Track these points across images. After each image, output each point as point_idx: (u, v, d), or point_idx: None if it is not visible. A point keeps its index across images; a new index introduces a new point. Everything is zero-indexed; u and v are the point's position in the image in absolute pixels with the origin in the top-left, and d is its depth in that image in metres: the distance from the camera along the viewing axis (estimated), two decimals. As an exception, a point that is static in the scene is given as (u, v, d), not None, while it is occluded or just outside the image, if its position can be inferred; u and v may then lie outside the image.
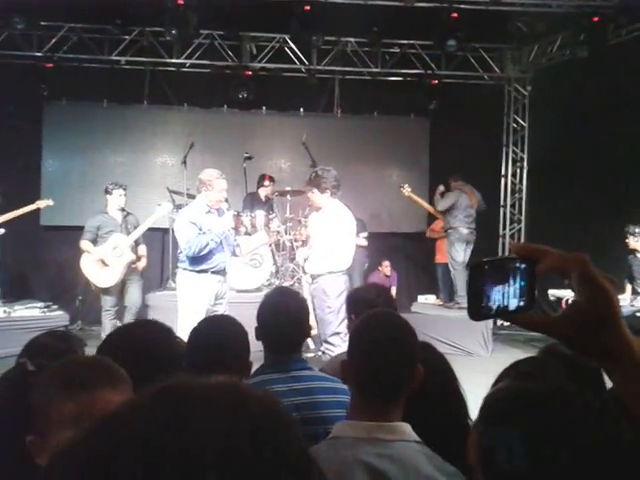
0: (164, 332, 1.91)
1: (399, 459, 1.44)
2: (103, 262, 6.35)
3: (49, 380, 1.27)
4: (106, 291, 6.42)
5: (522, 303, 0.74)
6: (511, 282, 0.72)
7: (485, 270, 0.71)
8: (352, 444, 1.47)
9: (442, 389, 1.77)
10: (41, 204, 7.25)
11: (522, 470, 0.88)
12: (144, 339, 1.84)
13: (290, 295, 2.45)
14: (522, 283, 0.73)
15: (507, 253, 8.23)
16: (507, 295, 0.72)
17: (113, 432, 0.46)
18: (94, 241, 6.45)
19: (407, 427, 1.51)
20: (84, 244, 6.43)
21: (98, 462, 0.44)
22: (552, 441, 0.88)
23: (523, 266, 0.73)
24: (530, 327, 0.74)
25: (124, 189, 6.60)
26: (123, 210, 6.63)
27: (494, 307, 0.71)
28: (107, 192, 6.57)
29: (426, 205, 8.38)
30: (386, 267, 8.91)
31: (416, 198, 8.31)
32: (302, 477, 0.46)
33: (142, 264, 6.61)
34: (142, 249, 6.67)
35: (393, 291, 8.82)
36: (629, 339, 0.70)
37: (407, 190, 8.20)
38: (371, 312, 1.78)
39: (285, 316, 2.23)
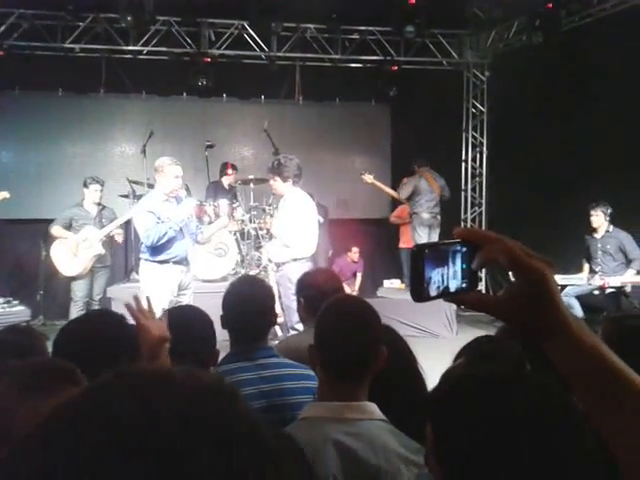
0: (117, 321, 1.90)
1: (367, 437, 1.49)
2: (74, 251, 6.29)
3: (3, 389, 1.23)
4: (75, 282, 6.36)
5: (464, 285, 0.77)
6: (450, 265, 0.75)
7: (425, 254, 0.74)
8: (321, 424, 1.52)
9: (403, 370, 1.82)
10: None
11: (474, 454, 0.90)
12: (98, 329, 1.84)
13: (255, 283, 2.46)
14: (464, 266, 0.76)
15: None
16: (446, 277, 0.75)
17: (72, 411, 0.47)
18: (67, 230, 6.43)
19: (374, 406, 1.56)
20: (55, 230, 6.39)
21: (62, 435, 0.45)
22: (503, 425, 0.89)
23: (464, 249, 0.76)
24: (472, 307, 0.77)
25: (101, 184, 6.59)
26: (99, 204, 6.58)
27: (434, 288, 0.74)
28: (84, 185, 6.57)
29: (390, 191, 8.43)
30: (355, 253, 8.95)
31: (379, 184, 8.35)
32: (251, 444, 0.48)
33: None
34: (119, 235, 6.64)
35: (359, 277, 8.90)
36: (566, 318, 0.73)
37: (369, 177, 8.23)
38: (336, 296, 1.83)
39: (251, 304, 2.24)
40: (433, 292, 0.74)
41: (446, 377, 1.06)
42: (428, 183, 7.74)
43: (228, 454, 0.45)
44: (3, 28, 8.08)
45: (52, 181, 8.44)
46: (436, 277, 0.74)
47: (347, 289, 8.85)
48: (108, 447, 0.43)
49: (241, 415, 0.49)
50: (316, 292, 2.49)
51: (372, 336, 1.61)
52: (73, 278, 6.38)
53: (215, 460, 0.44)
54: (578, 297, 6.51)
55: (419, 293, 0.74)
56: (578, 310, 6.33)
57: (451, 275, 0.75)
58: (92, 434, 0.44)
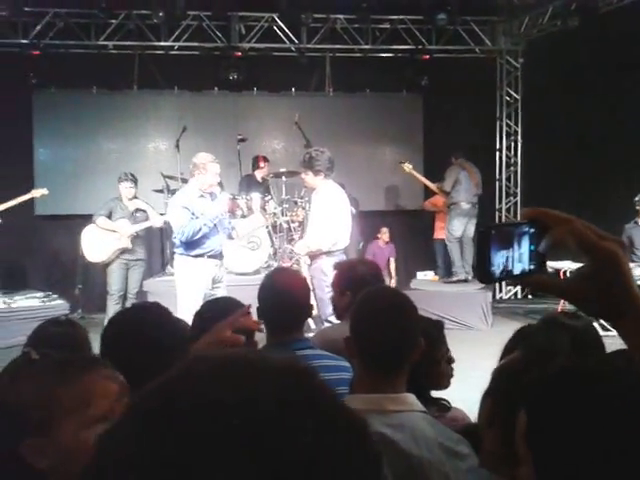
0: (165, 314, 1.92)
1: (409, 428, 1.48)
2: (103, 239, 6.43)
3: (41, 374, 1.22)
4: (111, 275, 6.48)
5: (532, 267, 0.76)
6: (515, 247, 0.74)
7: (491, 235, 0.73)
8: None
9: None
10: (36, 193, 7.27)
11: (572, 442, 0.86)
12: (147, 322, 1.85)
13: (290, 275, 2.45)
14: (532, 247, 0.75)
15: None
16: (511, 259, 0.74)
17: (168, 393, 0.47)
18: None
19: (412, 397, 1.56)
20: (101, 221, 6.52)
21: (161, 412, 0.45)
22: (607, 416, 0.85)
23: (532, 230, 0.75)
24: (539, 289, 0.77)
25: (133, 181, 6.66)
26: (136, 198, 6.71)
27: (497, 271, 0.73)
28: (118, 182, 6.68)
29: (427, 182, 8.34)
30: (384, 234, 8.93)
31: (416, 174, 8.28)
32: (344, 422, 0.48)
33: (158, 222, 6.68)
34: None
35: (392, 263, 8.87)
36: (637, 297, 0.71)
37: (408, 167, 8.17)
38: (372, 288, 1.82)
39: (286, 296, 2.24)
40: (496, 274, 0.73)
41: (505, 371, 1.04)
42: (468, 174, 7.69)
43: (328, 431, 0.45)
44: (39, 28, 8.24)
45: (88, 177, 8.59)
46: (500, 259, 0.73)
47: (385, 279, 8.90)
48: (208, 432, 0.43)
49: (326, 394, 0.49)
50: (362, 284, 2.47)
51: (409, 325, 1.61)
52: (105, 270, 6.51)
53: (317, 438, 0.44)
54: None
55: (485, 274, 0.73)
56: None
57: (516, 257, 0.74)
58: (191, 417, 0.44)
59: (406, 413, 1.52)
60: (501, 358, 1.69)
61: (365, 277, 2.58)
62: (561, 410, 0.86)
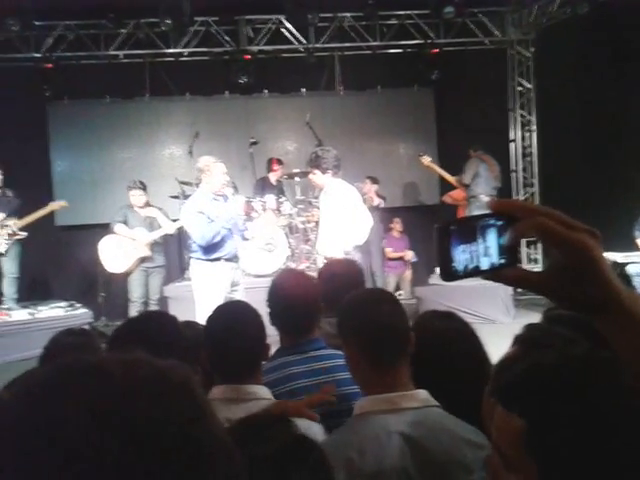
0: (170, 323, 1.93)
1: (429, 425, 1.50)
2: (122, 249, 6.47)
3: None
4: (132, 283, 6.54)
5: (502, 261, 0.72)
6: (480, 240, 0.70)
7: (450, 230, 0.69)
8: (381, 418, 1.52)
9: (469, 356, 1.81)
10: (55, 206, 7.33)
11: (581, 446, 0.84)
12: (149, 331, 1.87)
13: (297, 276, 2.45)
14: (500, 241, 0.71)
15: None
16: (476, 254, 0.70)
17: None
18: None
19: (426, 393, 1.57)
20: (118, 228, 6.58)
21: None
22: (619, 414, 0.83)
23: (500, 223, 0.71)
24: (512, 284, 0.73)
25: (142, 188, 6.71)
26: (148, 204, 6.76)
27: (460, 267, 0.69)
28: (127, 190, 6.74)
29: (446, 175, 8.26)
30: (397, 224, 8.91)
31: (436, 168, 8.20)
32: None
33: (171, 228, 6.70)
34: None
35: (408, 255, 8.84)
36: (617, 291, 0.68)
37: (426, 159, 8.10)
38: (360, 291, 1.87)
39: (295, 297, 2.24)
40: (464, 270, 0.70)
41: (503, 366, 1.02)
42: (488, 166, 7.62)
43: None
44: (50, 41, 8.36)
45: (105, 186, 8.69)
46: (461, 255, 0.69)
47: (408, 273, 8.91)
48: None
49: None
50: (337, 285, 2.50)
51: (403, 321, 1.67)
52: (126, 278, 6.57)
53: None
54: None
55: (447, 272, 0.69)
56: None
57: (482, 251, 0.70)
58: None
59: (423, 409, 1.54)
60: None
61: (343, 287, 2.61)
62: (564, 411, 0.84)
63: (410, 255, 8.85)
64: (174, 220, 6.70)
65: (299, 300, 2.21)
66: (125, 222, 6.64)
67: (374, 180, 8.18)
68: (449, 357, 1.74)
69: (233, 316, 2.07)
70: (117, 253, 6.53)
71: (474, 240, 0.70)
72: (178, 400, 0.49)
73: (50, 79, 8.39)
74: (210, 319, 2.10)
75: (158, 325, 1.87)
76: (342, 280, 2.61)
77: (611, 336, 0.69)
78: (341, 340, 1.70)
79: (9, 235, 6.97)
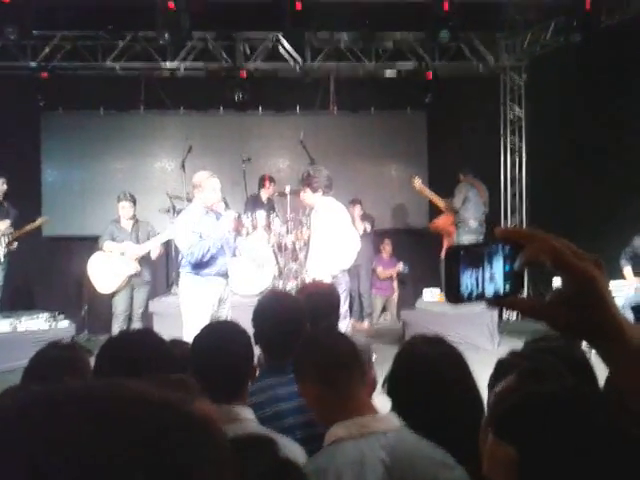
0: (155, 342, 1.90)
1: (402, 448, 1.51)
2: (110, 268, 6.40)
3: None
4: (115, 297, 6.48)
5: (507, 288, 0.73)
6: (487, 267, 0.71)
7: (460, 255, 0.71)
8: (356, 442, 1.52)
9: (458, 382, 1.80)
10: (41, 221, 7.38)
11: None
12: (137, 348, 1.84)
13: (282, 297, 2.44)
14: (507, 268, 0.72)
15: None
16: (482, 280, 0.71)
17: None
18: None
19: (393, 415, 1.60)
20: (107, 245, 6.51)
21: None
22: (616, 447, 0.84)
23: (507, 250, 0.72)
24: (517, 311, 0.74)
25: (131, 200, 6.66)
26: (134, 217, 6.69)
27: (466, 292, 0.70)
28: (117, 202, 6.67)
29: (436, 198, 8.29)
30: (387, 245, 8.99)
31: (426, 191, 8.24)
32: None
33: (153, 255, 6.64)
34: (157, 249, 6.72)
35: (395, 280, 8.88)
36: (619, 322, 0.69)
37: (418, 182, 8.14)
38: (312, 332, 2.02)
39: (280, 319, 2.23)
40: (469, 295, 0.71)
41: (501, 398, 1.02)
42: (477, 191, 7.67)
43: None
44: (47, 51, 8.36)
45: (95, 198, 8.65)
46: (468, 280, 0.70)
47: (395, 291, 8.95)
48: None
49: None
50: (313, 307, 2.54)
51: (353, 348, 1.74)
52: (113, 294, 6.49)
53: None
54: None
55: (454, 296, 0.71)
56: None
57: (488, 278, 0.71)
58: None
59: (395, 432, 1.54)
60: (489, 388, 1.68)
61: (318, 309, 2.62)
62: (561, 443, 0.84)
63: (401, 266, 8.91)
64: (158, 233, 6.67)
65: (285, 322, 2.20)
66: (113, 239, 6.57)
67: (356, 202, 8.17)
68: (438, 382, 1.74)
69: (221, 335, 2.06)
70: (107, 273, 6.43)
71: (481, 266, 0.71)
72: (203, 445, 0.48)
73: (45, 88, 8.37)
74: (198, 337, 2.08)
75: (146, 343, 1.84)
76: (318, 302, 2.61)
77: (611, 364, 0.71)
78: (298, 380, 1.74)
79: (6, 244, 7.00)
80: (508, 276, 0.73)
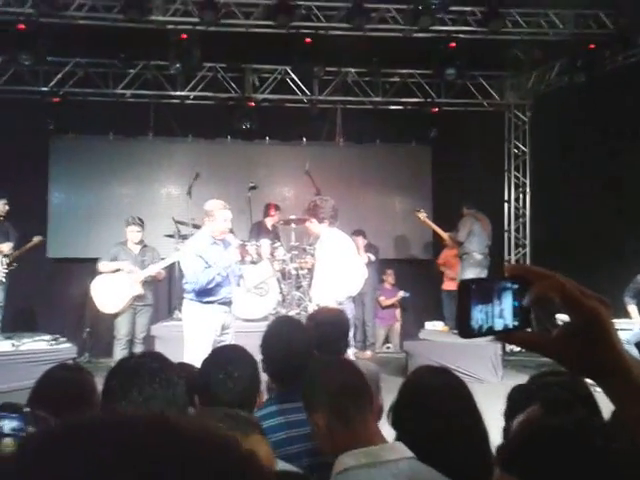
0: (165, 363, 1.92)
1: (410, 476, 1.51)
2: (114, 289, 6.41)
3: None
4: (118, 320, 6.47)
5: (516, 323, 0.75)
6: (496, 302, 0.74)
7: (471, 289, 0.73)
8: (366, 472, 1.52)
9: (464, 414, 1.80)
10: (36, 240, 7.41)
11: None
12: (147, 371, 1.84)
13: (293, 324, 2.46)
14: (515, 303, 0.75)
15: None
16: (491, 315, 0.73)
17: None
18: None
19: (402, 444, 1.60)
20: (102, 265, 6.52)
21: None
22: None
23: (516, 287, 0.75)
24: (523, 346, 0.76)
25: (140, 225, 6.70)
26: (142, 242, 6.72)
27: (477, 326, 0.73)
28: (125, 225, 6.71)
29: (440, 231, 8.36)
30: (390, 276, 9.02)
31: (430, 223, 8.33)
32: None
33: (159, 275, 6.66)
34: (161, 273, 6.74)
35: (401, 292, 8.92)
36: (624, 359, 0.71)
37: (422, 215, 8.23)
38: (321, 361, 2.05)
39: (290, 345, 2.24)
40: (479, 329, 0.73)
41: (527, 428, 1.03)
42: (481, 225, 7.73)
43: None
44: (59, 76, 8.52)
45: (101, 221, 8.71)
46: (479, 314, 0.72)
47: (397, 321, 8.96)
48: None
49: None
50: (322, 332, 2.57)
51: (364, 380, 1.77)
52: (115, 316, 6.49)
53: None
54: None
55: (465, 329, 0.73)
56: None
57: (497, 313, 0.74)
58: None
59: (404, 460, 1.55)
60: (506, 419, 1.69)
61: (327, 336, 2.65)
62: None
63: (402, 293, 8.95)
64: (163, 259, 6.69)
65: (294, 349, 2.21)
66: (116, 257, 6.58)
67: (359, 233, 8.22)
68: (443, 414, 1.75)
69: (228, 360, 2.07)
70: (110, 294, 6.44)
71: (491, 301, 0.74)
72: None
73: (55, 113, 8.50)
74: (206, 362, 2.09)
75: (156, 367, 1.85)
76: (328, 328, 2.63)
77: (616, 401, 0.72)
78: (308, 408, 1.76)
79: (7, 265, 7.03)
80: (517, 312, 0.75)
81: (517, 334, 0.76)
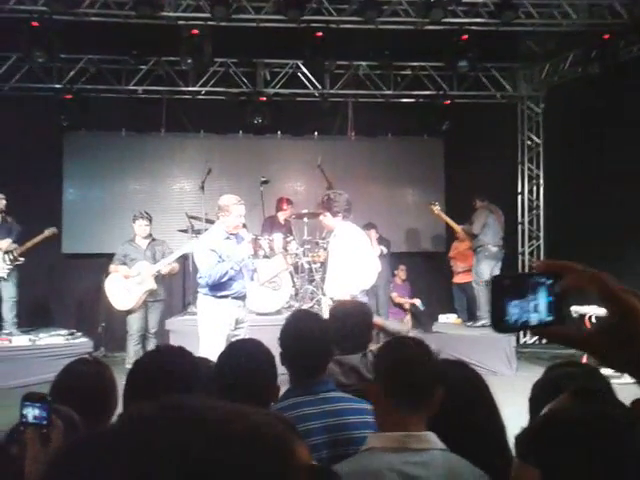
0: (189, 358, 1.94)
1: (432, 465, 1.53)
2: (127, 286, 6.45)
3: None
4: (131, 316, 6.52)
5: (550, 318, 0.76)
6: (530, 297, 0.75)
7: (504, 284, 0.74)
8: (384, 454, 1.57)
9: (480, 405, 1.81)
10: (48, 233, 7.43)
11: None
12: (172, 364, 1.87)
13: (311, 318, 2.47)
14: (549, 299, 0.75)
15: (527, 270, 8.17)
16: (526, 310, 0.74)
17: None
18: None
19: (434, 436, 1.60)
20: (112, 267, 6.59)
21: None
22: None
23: (549, 282, 0.75)
24: (560, 341, 0.76)
25: (148, 219, 6.71)
26: (150, 236, 6.74)
27: (512, 321, 0.73)
28: (133, 220, 6.71)
29: (454, 224, 8.34)
30: (402, 271, 9.01)
31: (444, 217, 8.32)
32: None
33: (172, 270, 6.69)
34: (174, 267, 6.77)
35: (418, 302, 8.91)
36: None
37: (436, 208, 8.22)
38: (395, 337, 1.90)
39: (308, 339, 2.25)
40: (514, 324, 0.74)
41: (556, 417, 1.03)
42: (495, 217, 7.71)
43: None
44: (72, 73, 8.57)
45: (115, 217, 8.76)
46: (513, 309, 0.73)
47: (408, 318, 8.95)
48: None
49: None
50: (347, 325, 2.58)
51: (431, 370, 1.71)
52: (128, 312, 6.54)
53: None
54: None
55: (499, 324, 0.74)
56: None
57: (532, 307, 0.75)
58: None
59: (429, 451, 1.57)
60: (533, 409, 1.70)
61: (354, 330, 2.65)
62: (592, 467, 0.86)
63: (418, 303, 8.91)
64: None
65: (313, 342, 2.22)
66: (125, 260, 6.61)
67: (371, 226, 8.21)
68: (459, 405, 1.75)
69: (245, 354, 2.08)
70: (123, 292, 6.48)
71: (526, 296, 0.74)
72: (271, 462, 0.51)
73: (69, 109, 8.56)
74: (222, 356, 2.11)
75: (178, 361, 1.88)
76: (352, 321, 2.64)
77: None
78: (374, 371, 1.77)
79: (10, 261, 7.09)
80: (551, 306, 0.76)
81: (552, 328, 0.77)
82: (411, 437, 1.58)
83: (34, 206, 8.09)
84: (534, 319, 0.75)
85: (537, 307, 0.75)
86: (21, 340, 6.87)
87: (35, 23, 7.24)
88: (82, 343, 7.05)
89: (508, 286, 0.74)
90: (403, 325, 7.54)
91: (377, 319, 3.30)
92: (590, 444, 0.91)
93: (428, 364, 1.71)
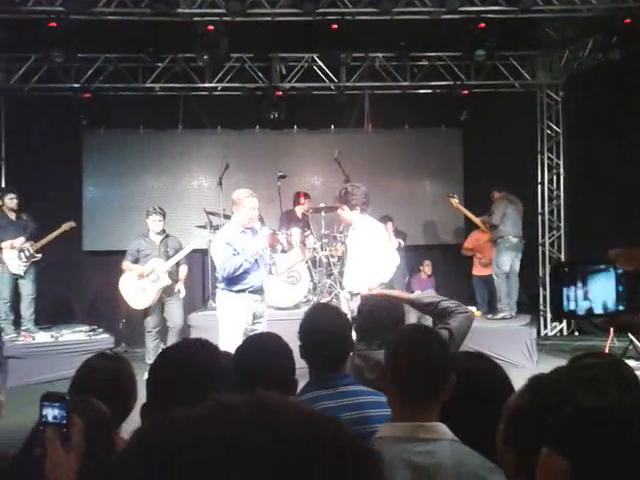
0: (213, 350, 1.94)
1: (440, 455, 1.53)
2: (141, 284, 6.49)
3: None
4: (147, 313, 6.56)
5: (621, 307, 0.74)
6: (592, 285, 0.73)
7: (562, 273, 0.72)
8: (395, 443, 1.58)
9: (500, 397, 1.79)
10: (66, 227, 7.51)
11: None
12: (196, 357, 1.87)
13: (331, 312, 2.47)
14: (619, 288, 0.73)
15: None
16: (588, 297, 0.72)
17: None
18: (135, 263, 6.63)
19: (445, 427, 1.60)
20: (125, 264, 6.63)
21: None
22: None
23: (619, 271, 0.73)
24: (630, 330, 0.75)
25: (162, 214, 6.73)
26: (163, 232, 6.77)
27: (572, 308, 0.71)
28: (146, 216, 6.74)
29: (472, 216, 8.28)
30: (427, 266, 8.96)
31: (463, 209, 8.27)
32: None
33: (179, 286, 6.72)
34: (183, 270, 6.78)
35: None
36: None
37: (455, 200, 8.18)
38: (405, 326, 1.89)
39: (328, 333, 2.25)
40: (573, 311, 0.72)
41: (518, 417, 1.03)
42: (515, 207, 7.64)
43: None
44: (90, 72, 8.65)
45: (134, 214, 8.81)
46: (575, 296, 0.72)
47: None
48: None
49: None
50: (377, 319, 2.55)
51: (441, 359, 1.71)
52: (145, 311, 6.59)
53: None
54: None
55: (557, 311, 0.73)
56: None
57: (597, 296, 0.73)
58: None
59: (439, 441, 1.57)
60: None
61: (383, 322, 2.63)
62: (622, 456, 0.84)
63: None
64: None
65: (332, 336, 2.22)
66: (137, 256, 6.64)
67: (388, 218, 8.16)
68: (479, 397, 1.73)
69: (264, 348, 2.09)
70: (138, 290, 6.53)
71: (586, 284, 0.72)
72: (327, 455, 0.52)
73: (87, 108, 8.65)
74: (239, 349, 2.12)
75: (202, 353, 1.87)
76: (382, 316, 2.63)
77: None
78: (385, 362, 1.78)
79: (27, 258, 7.17)
80: (621, 296, 0.73)
81: (623, 317, 0.75)
82: (420, 427, 1.59)
83: (55, 205, 8.18)
84: (598, 307, 0.73)
85: (604, 295, 0.73)
86: (44, 337, 6.98)
87: (53, 24, 7.30)
88: (103, 339, 7.14)
89: (567, 274, 0.72)
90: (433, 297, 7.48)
91: (403, 294, 3.28)
92: (626, 436, 0.89)
93: (439, 353, 1.71)
